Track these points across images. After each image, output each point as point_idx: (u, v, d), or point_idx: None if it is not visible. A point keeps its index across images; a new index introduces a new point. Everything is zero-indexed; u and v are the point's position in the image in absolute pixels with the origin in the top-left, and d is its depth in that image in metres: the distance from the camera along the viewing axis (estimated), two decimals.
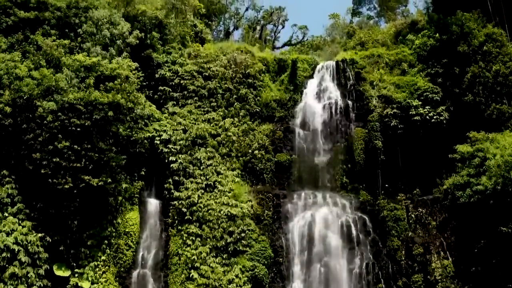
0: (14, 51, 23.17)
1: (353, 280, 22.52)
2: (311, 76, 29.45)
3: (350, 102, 27.10)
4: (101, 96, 21.91)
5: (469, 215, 22.18)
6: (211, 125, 26.03)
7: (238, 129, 26.21)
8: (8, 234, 19.92)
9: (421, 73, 27.67)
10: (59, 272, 20.96)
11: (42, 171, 20.64)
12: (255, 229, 23.22)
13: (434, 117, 25.62)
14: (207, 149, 25.15)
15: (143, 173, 24.06)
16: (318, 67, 29.71)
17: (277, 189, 25.18)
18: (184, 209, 23.29)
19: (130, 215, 22.88)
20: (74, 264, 21.39)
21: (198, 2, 33.90)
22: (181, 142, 24.79)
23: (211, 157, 24.94)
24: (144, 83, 25.75)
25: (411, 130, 25.72)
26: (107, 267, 21.69)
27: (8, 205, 20.64)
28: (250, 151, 25.65)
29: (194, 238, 22.67)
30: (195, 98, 26.95)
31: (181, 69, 27.53)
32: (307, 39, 50.18)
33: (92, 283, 21.14)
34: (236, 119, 26.61)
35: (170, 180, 24.16)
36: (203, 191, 23.80)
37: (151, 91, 26.68)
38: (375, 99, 26.71)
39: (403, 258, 23.01)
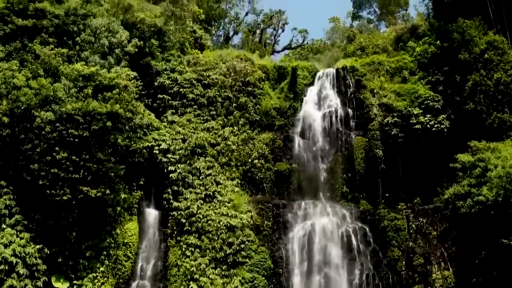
0: (12, 59, 23.00)
1: None
2: (311, 84, 29.28)
3: (350, 111, 26.93)
4: (100, 106, 21.77)
5: (470, 225, 22.04)
6: (211, 134, 25.86)
7: (238, 138, 26.05)
8: (6, 246, 19.74)
9: (422, 80, 27.49)
10: (57, 284, 20.79)
11: (40, 182, 20.49)
12: (255, 240, 23.06)
13: (435, 125, 25.47)
14: (207, 158, 24.99)
15: (142, 183, 23.86)
16: (318, 74, 29.54)
17: (277, 198, 25.01)
18: (183, 220, 23.13)
19: (129, 226, 22.73)
20: (73, 276, 21.23)
21: (198, 8, 33.73)
22: (180, 151, 24.63)
23: (211, 166, 24.78)
24: (143, 92, 25.54)
25: (411, 139, 25.56)
26: (105, 278, 21.53)
27: (6, 217, 20.46)
28: (249, 160, 25.50)
29: (193, 249, 22.51)
30: (195, 106, 26.78)
31: (180, 77, 27.34)
32: (307, 43, 50.10)
33: None
34: (235, 127, 26.45)
35: (169, 190, 23.99)
36: (202, 202, 23.65)
37: (150, 100, 26.48)
38: (376, 107, 26.55)
39: (404, 269, 22.89)
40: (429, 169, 25.12)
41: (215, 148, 25.47)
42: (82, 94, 22.20)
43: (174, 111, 26.58)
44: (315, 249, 23.19)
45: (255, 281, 22.02)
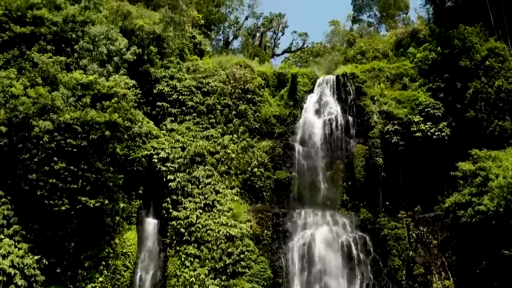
0: (10, 67, 22.84)
1: None
2: (311, 91, 29.11)
3: (350, 118, 26.78)
4: (98, 116, 21.63)
5: (471, 235, 21.97)
6: (210, 142, 25.72)
7: (237, 146, 25.91)
8: (4, 257, 19.58)
9: (422, 87, 27.32)
10: None
11: (39, 192, 20.38)
12: (254, 250, 22.95)
13: (436, 133, 25.33)
14: (206, 167, 24.86)
15: (141, 192, 23.76)
16: (318, 81, 29.38)
17: (277, 207, 24.91)
18: (182, 229, 23.01)
19: (128, 235, 22.59)
20: (71, 286, 21.12)
21: (197, 13, 33.52)
22: (179, 160, 24.49)
23: (210, 175, 24.65)
24: (142, 100, 25.43)
25: (412, 147, 25.42)
26: None
27: (4, 227, 20.31)
28: (249, 168, 25.37)
29: (192, 259, 22.40)
30: (194, 114, 26.62)
31: (179, 84, 27.17)
32: (307, 46, 49.81)
33: None
34: (235, 135, 26.29)
35: (168, 199, 23.88)
36: (201, 211, 23.53)
37: (149, 107, 26.32)
38: (376, 114, 26.39)
39: (404, 278, 22.84)
40: (429, 177, 25.00)
41: (214, 157, 25.33)
42: (80, 103, 22.06)
43: (173, 118, 26.43)
44: (315, 258, 23.10)
45: None
